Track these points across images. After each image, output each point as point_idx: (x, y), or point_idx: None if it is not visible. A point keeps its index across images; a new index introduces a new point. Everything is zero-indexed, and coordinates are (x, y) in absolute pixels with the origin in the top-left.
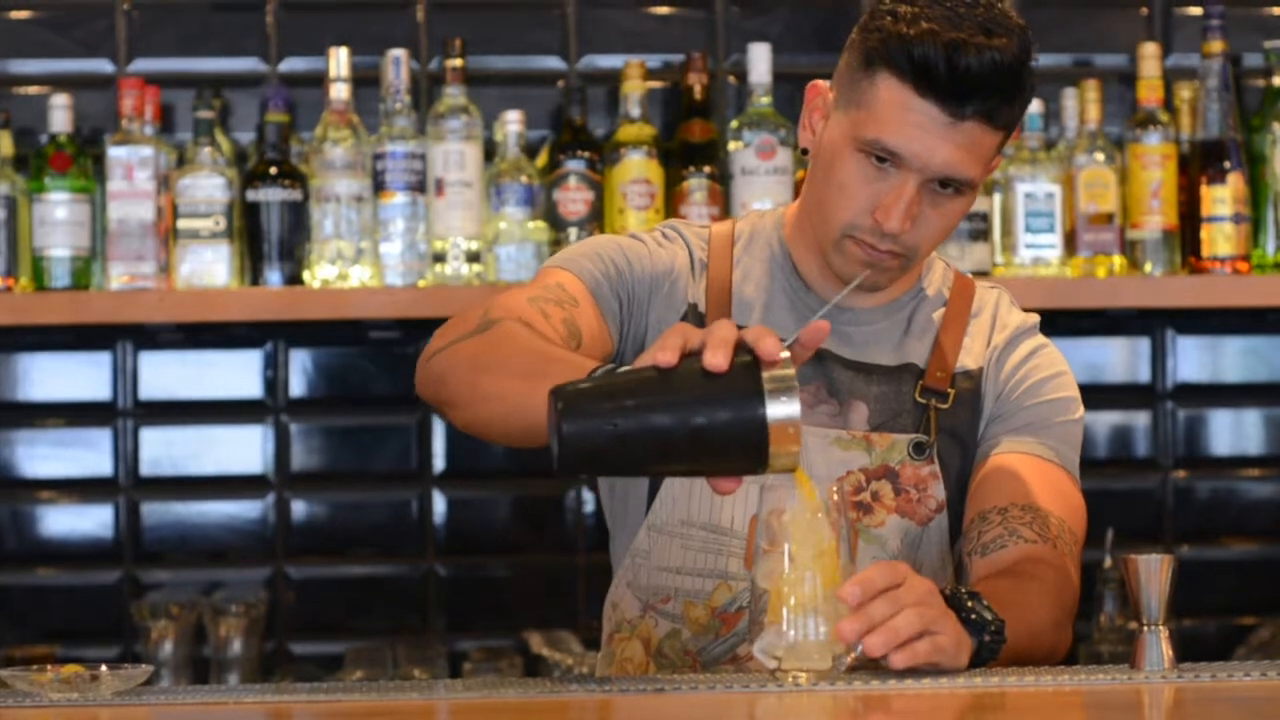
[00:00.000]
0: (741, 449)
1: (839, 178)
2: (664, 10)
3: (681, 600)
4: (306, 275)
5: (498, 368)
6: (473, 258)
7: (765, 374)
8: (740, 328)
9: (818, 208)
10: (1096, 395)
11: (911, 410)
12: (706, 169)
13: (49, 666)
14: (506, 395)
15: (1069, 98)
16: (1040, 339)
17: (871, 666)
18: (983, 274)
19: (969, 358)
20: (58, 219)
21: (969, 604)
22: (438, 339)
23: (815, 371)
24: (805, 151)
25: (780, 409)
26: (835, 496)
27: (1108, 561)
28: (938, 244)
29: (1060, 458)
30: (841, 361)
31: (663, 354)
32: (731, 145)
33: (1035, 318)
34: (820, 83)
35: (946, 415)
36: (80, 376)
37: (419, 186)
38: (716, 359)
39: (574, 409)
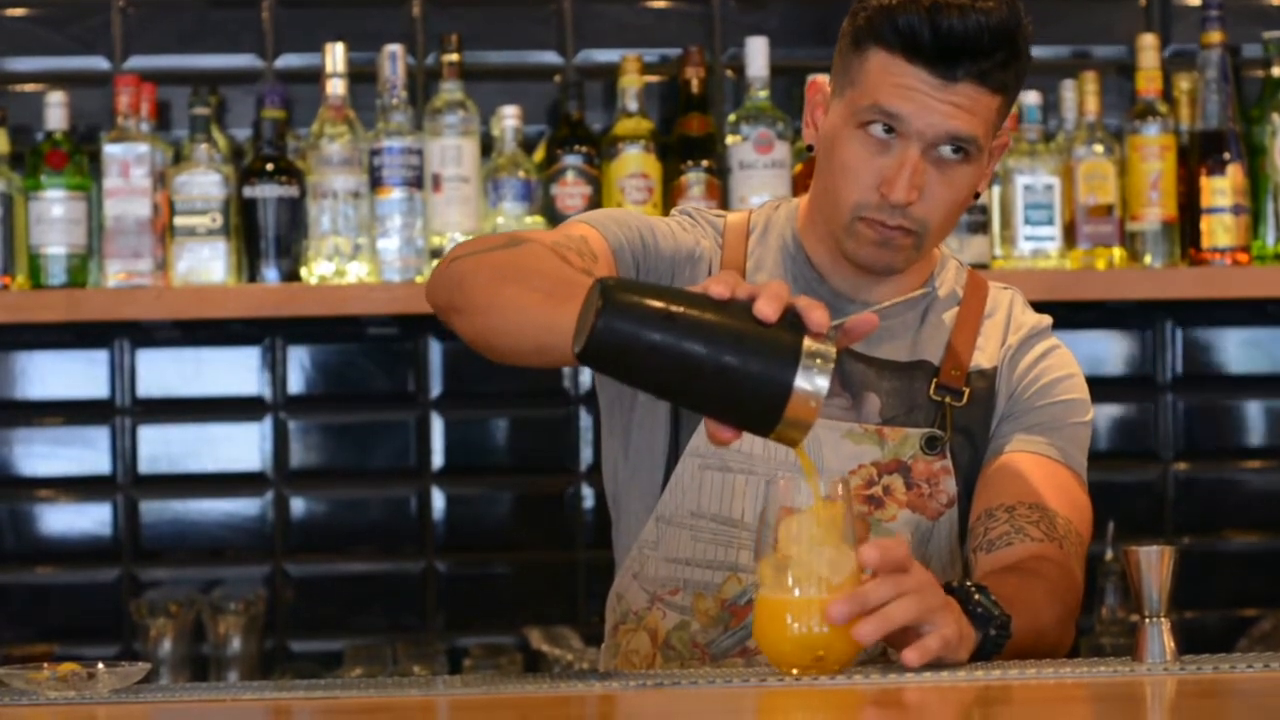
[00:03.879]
0: (757, 403)
1: (842, 159)
2: (661, 4)
3: (691, 592)
4: (304, 272)
5: (522, 281)
6: None
7: (807, 342)
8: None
9: (826, 195)
10: (1097, 388)
11: (925, 406)
12: (704, 163)
13: (45, 665)
14: (526, 308)
15: (1068, 89)
16: (1053, 340)
17: (881, 659)
18: (982, 266)
19: (983, 357)
20: (54, 216)
21: (975, 596)
22: (461, 248)
23: None
24: (810, 149)
25: (809, 380)
26: (841, 492)
27: (1109, 554)
28: (949, 222)
29: (1068, 459)
30: (854, 354)
31: (716, 286)
32: (729, 139)
33: (1048, 319)
34: (820, 78)
35: (960, 413)
36: (78, 374)
37: (416, 182)
38: (768, 309)
39: (616, 303)
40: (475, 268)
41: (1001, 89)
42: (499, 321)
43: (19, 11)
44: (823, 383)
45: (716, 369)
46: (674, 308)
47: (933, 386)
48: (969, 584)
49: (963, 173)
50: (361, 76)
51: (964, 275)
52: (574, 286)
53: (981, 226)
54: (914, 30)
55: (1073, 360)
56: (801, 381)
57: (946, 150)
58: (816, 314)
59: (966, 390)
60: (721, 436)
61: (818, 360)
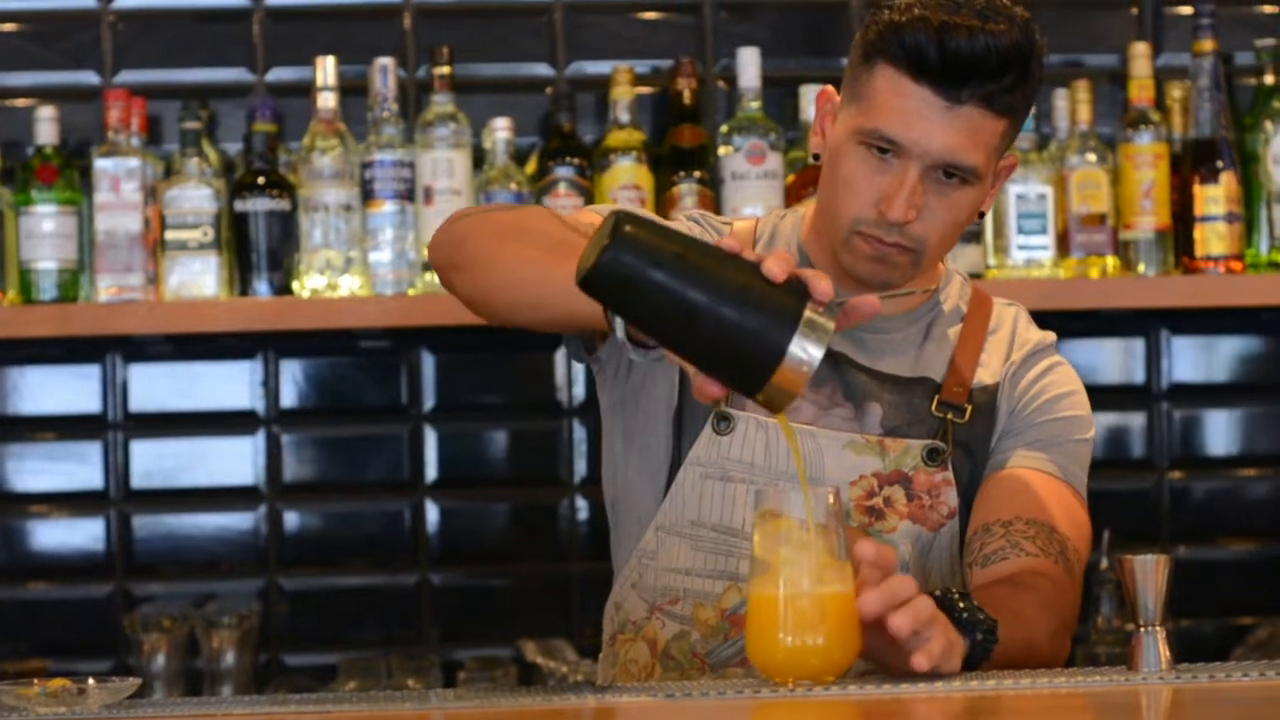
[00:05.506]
0: (749, 361)
1: (843, 172)
2: (652, 16)
3: (690, 602)
4: (295, 285)
5: (524, 238)
6: None
7: (808, 311)
8: None
9: (827, 207)
10: (1091, 397)
11: (927, 421)
12: (696, 174)
13: (35, 680)
14: (526, 262)
15: (1060, 98)
16: (1056, 357)
17: (878, 670)
18: (975, 276)
19: (986, 373)
20: (45, 231)
21: (960, 604)
22: (465, 210)
23: (831, 374)
24: (817, 157)
25: (803, 348)
26: (831, 502)
27: (1104, 563)
28: (948, 240)
29: (1068, 475)
30: (857, 366)
31: (727, 241)
32: (721, 150)
33: (1052, 336)
34: (830, 88)
35: (961, 429)
36: (69, 389)
37: (408, 195)
38: (775, 268)
39: (626, 237)
40: (478, 226)
41: (1008, 112)
42: (498, 277)
43: (9, 26)
44: (816, 353)
45: (715, 318)
46: (683, 251)
47: (935, 403)
48: (953, 592)
49: (963, 194)
50: (352, 90)
51: (968, 290)
52: (575, 246)
53: (975, 236)
54: (921, 49)
55: (1075, 377)
56: (796, 347)
57: (945, 174)
58: (822, 283)
59: (969, 407)
60: (708, 390)
61: (815, 330)
